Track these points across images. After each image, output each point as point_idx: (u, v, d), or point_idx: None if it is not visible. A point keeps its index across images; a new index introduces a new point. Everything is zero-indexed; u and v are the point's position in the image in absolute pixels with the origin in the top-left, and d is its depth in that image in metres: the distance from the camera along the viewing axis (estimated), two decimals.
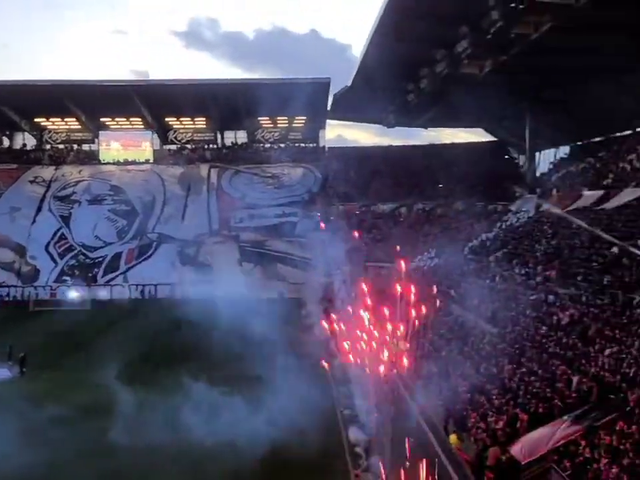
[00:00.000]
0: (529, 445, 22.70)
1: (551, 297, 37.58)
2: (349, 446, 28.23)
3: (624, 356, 25.98)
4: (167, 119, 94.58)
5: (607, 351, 27.06)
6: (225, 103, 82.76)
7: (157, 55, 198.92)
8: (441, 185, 78.98)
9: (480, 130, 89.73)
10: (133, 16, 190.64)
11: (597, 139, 66.01)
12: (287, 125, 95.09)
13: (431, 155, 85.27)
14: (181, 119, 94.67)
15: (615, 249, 37.52)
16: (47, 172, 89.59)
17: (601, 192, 49.77)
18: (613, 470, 19.49)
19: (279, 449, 26.44)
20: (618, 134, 62.63)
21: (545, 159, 78.87)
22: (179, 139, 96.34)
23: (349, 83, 72.20)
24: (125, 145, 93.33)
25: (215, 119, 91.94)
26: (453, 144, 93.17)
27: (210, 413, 29.27)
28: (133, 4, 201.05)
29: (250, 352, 37.74)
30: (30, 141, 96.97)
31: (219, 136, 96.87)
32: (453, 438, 26.50)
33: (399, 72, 61.07)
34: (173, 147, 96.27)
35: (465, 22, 48.05)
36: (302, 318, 50.03)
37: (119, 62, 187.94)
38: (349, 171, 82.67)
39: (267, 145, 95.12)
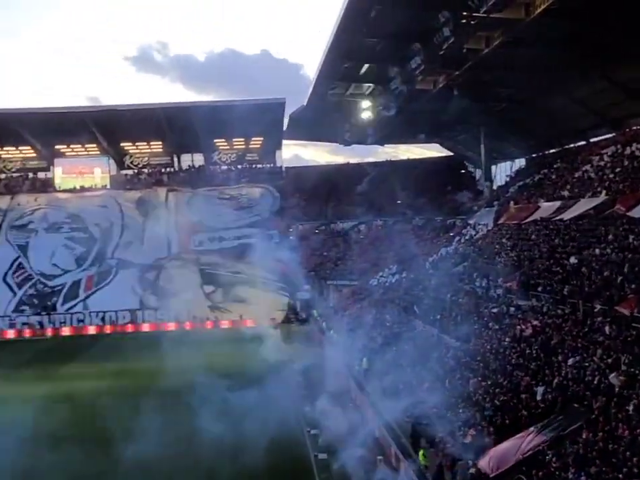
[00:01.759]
0: (497, 457, 22.75)
1: (512, 309, 37.83)
2: None
3: (587, 364, 26.17)
4: (122, 144, 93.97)
5: (570, 361, 27.23)
6: (180, 126, 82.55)
7: (109, 80, 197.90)
8: (399, 201, 79.42)
9: (436, 145, 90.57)
10: (82, 42, 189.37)
11: (552, 151, 66.84)
12: (243, 146, 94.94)
13: (388, 171, 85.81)
14: (137, 144, 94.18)
15: (573, 259, 37.88)
16: (3, 201, 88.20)
17: (558, 203, 50.28)
18: (582, 479, 19.60)
19: None
20: (572, 145, 63.50)
21: (501, 171, 79.76)
22: (135, 163, 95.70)
23: (304, 103, 72.39)
24: (80, 171, 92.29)
25: (170, 142, 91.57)
26: (409, 160, 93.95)
27: None
28: (84, 30, 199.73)
29: None
30: None
31: (175, 159, 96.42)
32: (421, 454, 26.55)
33: (354, 90, 61.45)
34: (130, 171, 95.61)
35: (417, 38, 48.45)
36: None
37: (70, 89, 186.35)
38: (307, 190, 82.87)
39: (224, 167, 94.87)
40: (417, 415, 29.57)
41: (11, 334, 70.10)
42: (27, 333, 70.13)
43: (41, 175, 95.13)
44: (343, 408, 33.29)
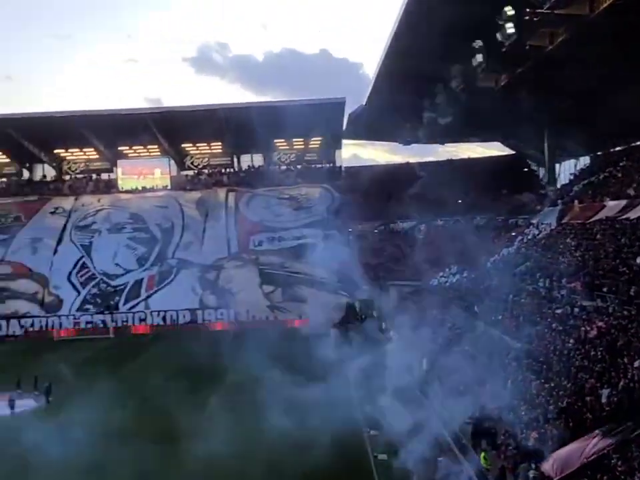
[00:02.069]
0: (561, 461, 22.21)
1: (576, 310, 36.99)
2: None
3: None
4: (183, 145, 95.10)
5: (637, 363, 26.47)
6: (240, 127, 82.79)
7: (169, 81, 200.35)
8: (460, 201, 78.46)
9: (497, 144, 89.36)
10: (143, 44, 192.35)
11: (618, 148, 65.40)
12: (302, 146, 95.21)
13: (448, 170, 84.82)
14: (197, 145, 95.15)
15: None
16: (67, 202, 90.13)
17: (624, 202, 49.12)
18: None
19: None
20: (639, 142, 62.04)
21: (565, 170, 78.31)
22: (195, 164, 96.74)
23: (364, 102, 72.10)
24: (142, 172, 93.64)
25: (230, 143, 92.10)
26: (470, 158, 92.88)
27: None
28: (143, 32, 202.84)
29: None
30: (49, 172, 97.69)
31: (235, 160, 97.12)
32: (482, 457, 26.10)
33: (414, 88, 60.83)
34: (190, 172, 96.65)
35: (479, 36, 47.82)
36: None
37: (131, 90, 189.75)
38: (366, 189, 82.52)
39: (284, 167, 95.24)
40: (479, 416, 29.11)
41: (75, 332, 71.26)
42: (91, 332, 71.13)
43: (104, 176, 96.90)
44: (404, 408, 32.94)
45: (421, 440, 28.04)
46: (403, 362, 41.11)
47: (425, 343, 42.81)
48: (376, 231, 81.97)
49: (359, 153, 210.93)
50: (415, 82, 59.04)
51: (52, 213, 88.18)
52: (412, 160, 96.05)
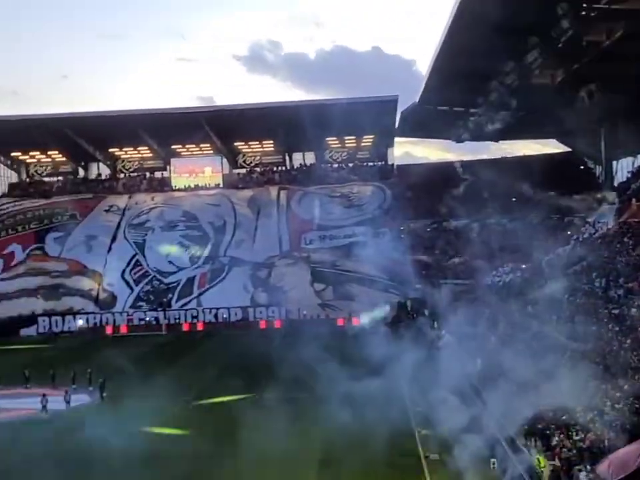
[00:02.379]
0: (617, 463, 21.61)
1: (634, 310, 36.15)
2: None
3: None
4: (235, 144, 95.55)
5: None
6: (292, 125, 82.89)
7: (221, 80, 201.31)
8: (514, 199, 77.39)
9: (553, 141, 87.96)
10: (195, 43, 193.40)
11: None
12: (354, 144, 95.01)
13: (503, 168, 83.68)
14: (249, 143, 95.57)
15: None
16: (122, 200, 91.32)
17: None
18: None
19: None
20: None
21: (623, 167, 76.64)
22: (247, 162, 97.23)
23: (417, 99, 71.55)
24: (195, 171, 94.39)
25: (282, 141, 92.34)
26: (525, 156, 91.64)
27: None
28: (196, 31, 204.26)
29: None
30: (104, 171, 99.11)
31: (287, 158, 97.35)
32: (536, 458, 25.59)
33: (468, 86, 60.16)
34: (242, 170, 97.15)
35: (535, 32, 47.06)
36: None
37: (184, 89, 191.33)
38: (419, 187, 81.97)
39: (335, 165, 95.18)
40: (533, 417, 28.57)
41: (128, 329, 72.09)
42: (143, 329, 71.87)
43: (157, 174, 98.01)
44: (456, 408, 32.55)
45: (473, 440, 27.66)
46: (456, 361, 40.65)
47: (478, 342, 42.27)
48: (428, 229, 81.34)
49: (411, 150, 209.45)
50: (468, 79, 58.33)
51: (106, 211, 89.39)
52: (465, 158, 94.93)
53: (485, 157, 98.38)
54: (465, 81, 58.97)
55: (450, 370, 37.75)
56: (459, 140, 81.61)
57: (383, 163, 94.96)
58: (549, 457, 25.58)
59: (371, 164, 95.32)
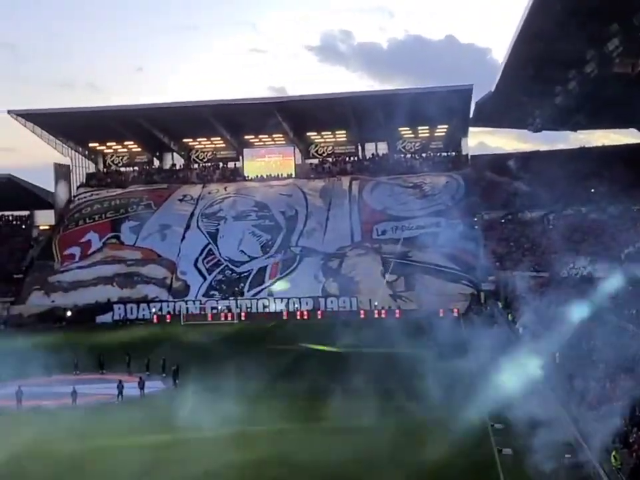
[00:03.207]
0: None
1: None
2: None
3: None
4: (307, 134, 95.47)
5: None
6: (365, 115, 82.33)
7: (293, 70, 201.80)
8: (592, 190, 75.35)
9: (633, 130, 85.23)
10: (266, 34, 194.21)
11: None
12: (428, 134, 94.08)
13: (581, 158, 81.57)
14: (322, 133, 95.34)
15: None
16: (195, 190, 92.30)
17: None
18: None
19: None
20: None
21: None
22: (319, 152, 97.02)
23: (492, 88, 70.17)
24: (267, 161, 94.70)
25: (355, 131, 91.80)
26: (604, 146, 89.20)
27: None
28: (267, 22, 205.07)
29: None
30: (178, 161, 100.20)
31: (359, 148, 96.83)
32: (613, 455, 24.69)
33: (546, 74, 58.67)
34: (315, 161, 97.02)
35: (616, 19, 45.47)
36: None
37: (256, 80, 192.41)
38: (493, 178, 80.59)
39: (408, 155, 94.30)
40: (609, 413, 27.58)
41: (200, 317, 72.70)
42: (216, 317, 72.39)
43: (230, 164, 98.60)
44: (530, 403, 31.71)
45: (547, 436, 26.85)
46: (532, 355, 39.70)
47: (554, 335, 41.15)
48: (502, 220, 79.70)
49: (486, 140, 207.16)
50: (546, 67, 56.91)
51: (180, 200, 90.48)
52: (542, 148, 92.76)
53: (562, 146, 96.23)
54: (542, 69, 57.56)
55: (526, 363, 36.92)
56: (536, 129, 79.71)
57: (457, 153, 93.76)
58: (625, 455, 24.69)
59: (444, 154, 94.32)
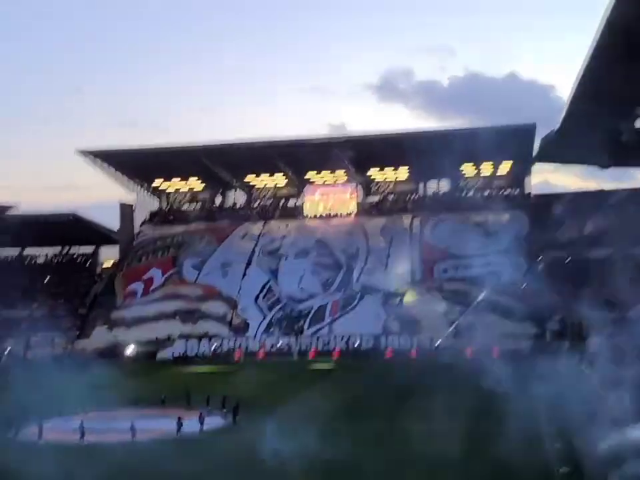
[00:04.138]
0: None
1: None
2: None
3: None
4: (369, 172, 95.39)
5: None
6: (427, 153, 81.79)
7: (352, 108, 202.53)
8: None
9: None
10: (327, 71, 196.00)
11: None
12: (490, 172, 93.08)
13: None
14: (383, 171, 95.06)
15: None
16: (256, 228, 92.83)
17: None
18: None
19: None
20: None
21: None
22: (381, 190, 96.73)
23: (556, 126, 69.16)
24: (328, 199, 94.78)
25: (416, 168, 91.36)
26: None
27: None
28: (327, 60, 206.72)
29: None
30: (239, 198, 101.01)
31: (421, 185, 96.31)
32: None
33: (614, 110, 57.61)
34: (375, 198, 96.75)
35: None
36: None
37: (315, 117, 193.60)
38: (557, 217, 79.25)
39: (470, 193, 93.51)
40: None
41: (260, 355, 72.53)
42: (275, 354, 72.04)
43: (291, 201, 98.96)
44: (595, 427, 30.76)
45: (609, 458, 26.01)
46: (598, 394, 38.53)
47: (627, 377, 39.82)
48: (568, 259, 78.07)
49: (549, 178, 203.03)
50: (615, 103, 55.88)
51: (242, 237, 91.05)
52: (606, 186, 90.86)
53: (628, 185, 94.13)
54: (610, 105, 56.53)
55: (595, 399, 35.93)
56: (604, 165, 78.12)
57: (520, 190, 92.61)
58: None
59: (507, 192, 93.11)
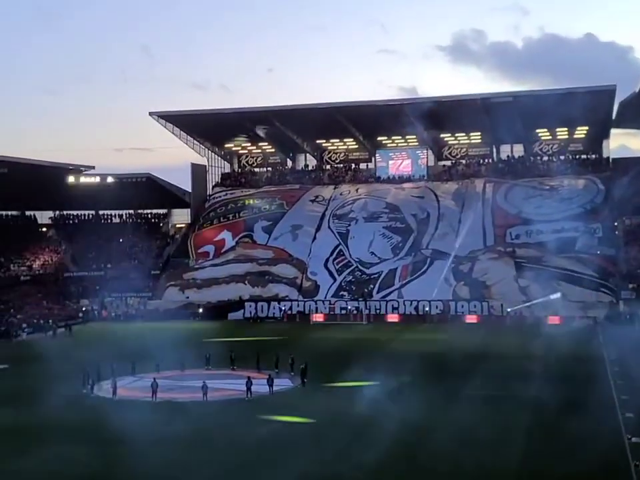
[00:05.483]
0: None
1: None
2: None
3: None
4: (441, 135, 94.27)
5: None
6: (501, 117, 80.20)
7: (423, 71, 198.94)
8: None
9: None
10: (396, 34, 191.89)
11: None
12: (566, 136, 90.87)
13: None
14: (456, 135, 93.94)
15: None
16: (327, 191, 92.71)
17: None
18: None
19: None
20: None
21: None
22: (453, 154, 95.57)
23: (637, 89, 67.10)
24: (400, 163, 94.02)
25: (490, 133, 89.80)
26: None
27: None
28: (396, 22, 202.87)
29: None
30: (311, 162, 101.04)
31: (494, 150, 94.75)
32: None
33: None
34: (447, 162, 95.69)
35: None
36: None
37: (385, 80, 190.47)
38: (636, 182, 77.12)
39: (545, 158, 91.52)
40: None
41: (329, 318, 72.81)
42: (344, 318, 72.16)
43: (362, 165, 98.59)
44: None
45: None
46: None
47: None
48: None
49: (628, 143, 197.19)
50: None
51: (312, 201, 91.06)
52: None
53: None
54: None
55: None
56: None
57: (597, 155, 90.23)
58: None
59: (583, 157, 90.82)
